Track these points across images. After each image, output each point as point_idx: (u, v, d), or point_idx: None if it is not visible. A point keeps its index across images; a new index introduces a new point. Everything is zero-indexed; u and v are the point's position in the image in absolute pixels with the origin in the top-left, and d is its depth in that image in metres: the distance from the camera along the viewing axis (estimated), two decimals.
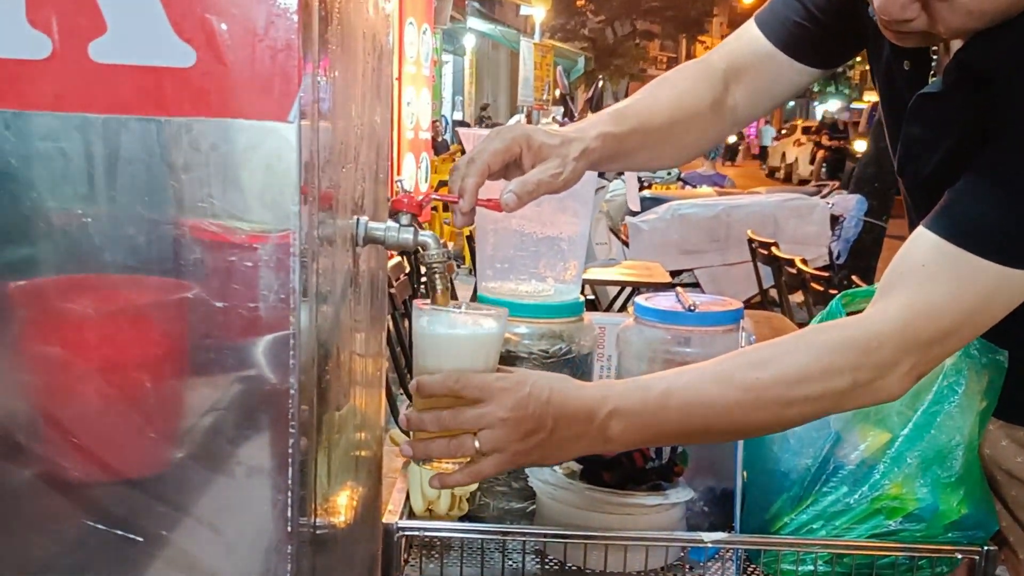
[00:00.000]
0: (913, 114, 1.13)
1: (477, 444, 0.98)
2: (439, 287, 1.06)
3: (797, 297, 4.98)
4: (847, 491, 1.24)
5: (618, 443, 1.03)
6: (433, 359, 1.02)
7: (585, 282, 5.00)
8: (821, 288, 4.24)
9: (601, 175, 5.52)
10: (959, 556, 1.22)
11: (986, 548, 1.21)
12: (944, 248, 1.01)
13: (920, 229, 1.05)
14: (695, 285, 6.06)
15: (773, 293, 5.39)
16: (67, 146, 0.78)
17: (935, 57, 1.13)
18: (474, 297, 1.46)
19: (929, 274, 1.02)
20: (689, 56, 41.53)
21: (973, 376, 1.22)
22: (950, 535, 1.22)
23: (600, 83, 7.29)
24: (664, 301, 1.43)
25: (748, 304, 5.90)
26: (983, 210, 1.01)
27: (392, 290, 2.92)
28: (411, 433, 1.04)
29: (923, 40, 1.04)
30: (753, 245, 5.31)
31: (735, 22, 31.16)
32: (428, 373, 1.02)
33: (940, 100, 1.09)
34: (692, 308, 1.38)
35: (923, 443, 1.22)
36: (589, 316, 1.49)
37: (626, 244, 6.11)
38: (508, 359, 1.36)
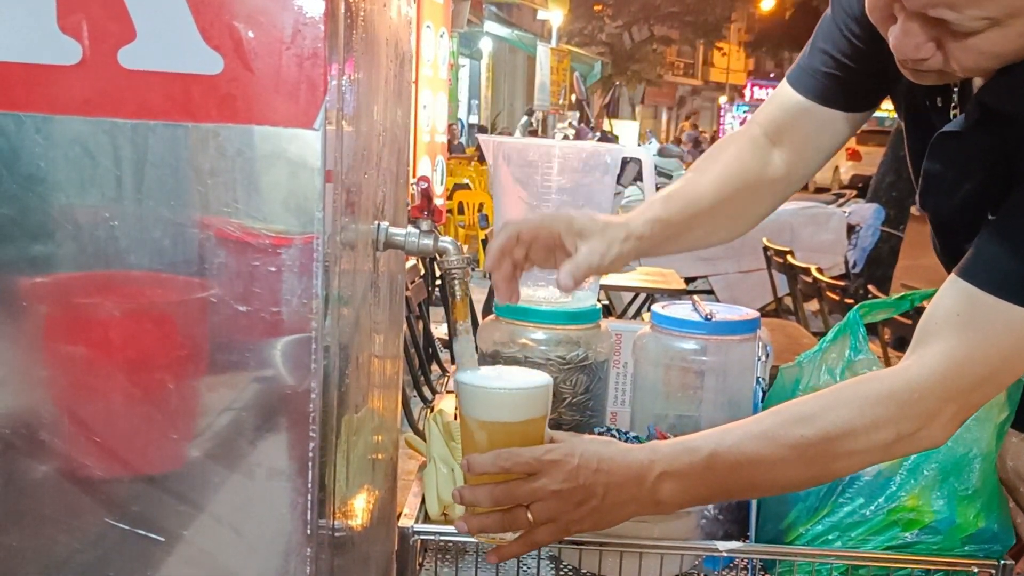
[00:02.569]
0: (934, 151, 1.13)
1: (531, 517, 1.00)
2: (458, 293, 1.07)
3: (812, 305, 4.96)
4: (863, 502, 1.24)
5: (668, 505, 1.04)
6: (482, 411, 1.03)
7: (600, 287, 5.00)
8: (837, 297, 4.23)
9: (617, 181, 5.52)
10: (975, 569, 1.21)
11: (1003, 562, 1.20)
12: (977, 296, 1.02)
13: (952, 277, 1.05)
14: (709, 292, 6.04)
15: (788, 301, 5.38)
16: (96, 150, 0.79)
17: (955, 92, 1.13)
18: (489, 302, 1.47)
19: (964, 323, 1.02)
20: (707, 62, 41.47)
21: None
22: (966, 548, 1.22)
23: (616, 89, 7.31)
24: (681, 310, 1.43)
25: (762, 312, 5.88)
26: (1013, 256, 1.01)
27: (407, 293, 2.93)
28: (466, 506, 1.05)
29: (940, 78, 1.04)
30: (768, 253, 5.30)
31: (753, 28, 31.09)
32: (475, 423, 1.03)
33: (961, 139, 1.09)
34: (709, 317, 1.38)
35: (940, 455, 1.21)
36: (606, 323, 1.49)
37: None
38: (525, 364, 1.37)
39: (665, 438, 1.28)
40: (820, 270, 4.54)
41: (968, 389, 1.03)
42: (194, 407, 0.83)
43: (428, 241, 1.04)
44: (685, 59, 39.37)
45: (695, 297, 1.50)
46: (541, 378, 1.06)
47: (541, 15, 19.62)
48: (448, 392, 1.85)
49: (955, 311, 1.03)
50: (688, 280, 6.01)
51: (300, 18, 0.77)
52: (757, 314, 1.43)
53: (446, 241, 1.05)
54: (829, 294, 4.16)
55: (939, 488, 1.22)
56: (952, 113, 1.13)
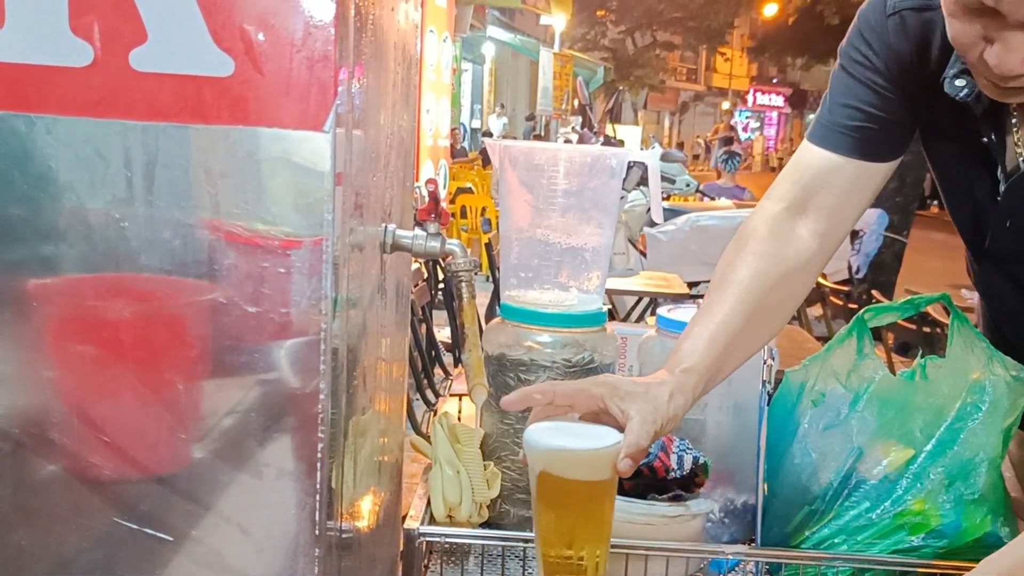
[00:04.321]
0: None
1: None
2: (466, 296, 1.07)
3: (815, 310, 4.97)
4: (869, 506, 1.24)
5: None
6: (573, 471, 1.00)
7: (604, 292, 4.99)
8: (840, 302, 4.24)
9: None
10: None
11: None
12: None
13: None
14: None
15: None
16: (107, 151, 0.79)
17: (1015, 119, 1.14)
18: (492, 306, 1.46)
19: None
20: (709, 68, 41.50)
21: (997, 393, 1.21)
22: (973, 553, 1.22)
23: (619, 94, 7.33)
24: (686, 313, 1.43)
25: None
26: None
27: (411, 296, 2.93)
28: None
29: None
30: None
31: (756, 34, 31.09)
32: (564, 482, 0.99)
33: None
34: None
35: (946, 459, 1.22)
36: (611, 326, 1.49)
37: (644, 254, 6.11)
38: (531, 367, 1.37)
39: (671, 442, 1.29)
40: (823, 275, 4.54)
41: None
42: (203, 408, 0.84)
43: (435, 244, 1.04)
44: (688, 64, 39.38)
45: (699, 301, 1.50)
46: (613, 435, 1.03)
47: (544, 20, 19.65)
48: (452, 395, 1.85)
49: None
50: (691, 285, 6.01)
51: (310, 21, 0.78)
52: None
53: (453, 244, 1.05)
54: (832, 299, 4.17)
55: (946, 492, 1.22)
56: (1016, 139, 1.13)
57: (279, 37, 0.78)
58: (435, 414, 1.72)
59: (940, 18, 1.10)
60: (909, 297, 1.38)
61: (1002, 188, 1.19)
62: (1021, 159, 1.15)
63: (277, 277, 0.81)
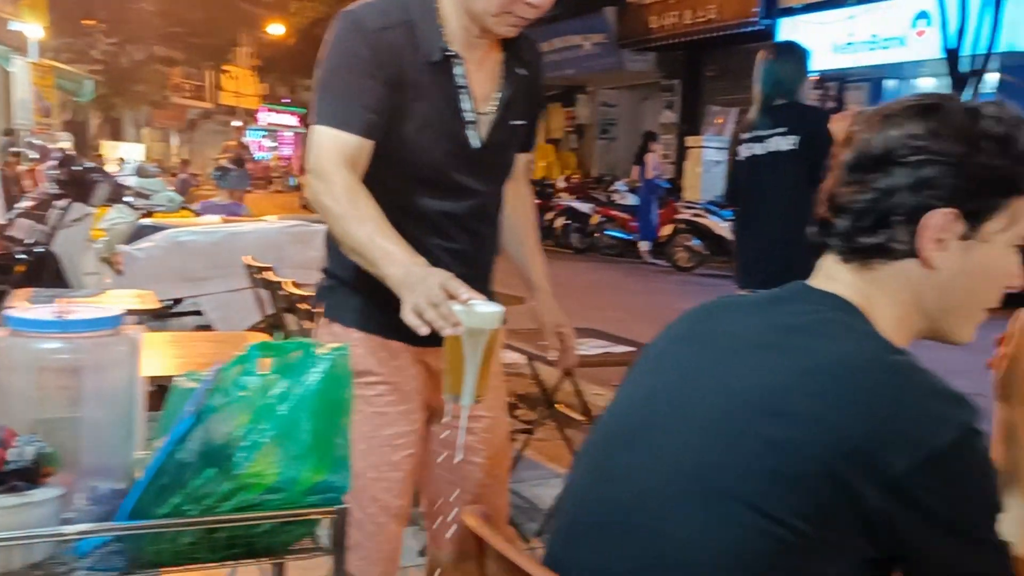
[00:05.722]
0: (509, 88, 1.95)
1: None
2: None
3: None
4: (215, 473, 1.35)
5: None
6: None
7: None
8: (309, 307, 4.44)
9: (85, 201, 5.25)
10: (318, 517, 1.40)
11: (340, 507, 1.40)
12: None
13: None
14: (198, 313, 6.00)
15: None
16: None
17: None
18: None
19: None
20: (218, 86, 40.78)
21: (320, 364, 1.41)
22: (310, 499, 1.39)
23: (79, 110, 6.99)
24: (41, 311, 1.45)
25: (256, 328, 5.96)
26: None
27: None
28: None
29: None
30: (251, 271, 5.41)
31: (262, 54, 31.28)
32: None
33: (523, 79, 1.97)
34: (62, 315, 1.41)
35: (276, 424, 1.37)
36: None
37: (120, 273, 5.88)
38: None
39: (12, 436, 1.30)
40: (296, 284, 4.73)
41: None
42: None
43: None
44: (194, 81, 38.39)
45: (59, 300, 1.53)
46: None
47: (13, 26, 17.73)
48: None
49: None
50: (176, 302, 5.91)
51: None
52: (120, 310, 1.49)
53: None
54: (299, 305, 4.38)
55: (279, 451, 1.38)
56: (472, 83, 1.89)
57: None
58: None
59: (403, 32, 1.80)
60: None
61: (468, 116, 1.87)
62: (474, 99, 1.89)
63: None
